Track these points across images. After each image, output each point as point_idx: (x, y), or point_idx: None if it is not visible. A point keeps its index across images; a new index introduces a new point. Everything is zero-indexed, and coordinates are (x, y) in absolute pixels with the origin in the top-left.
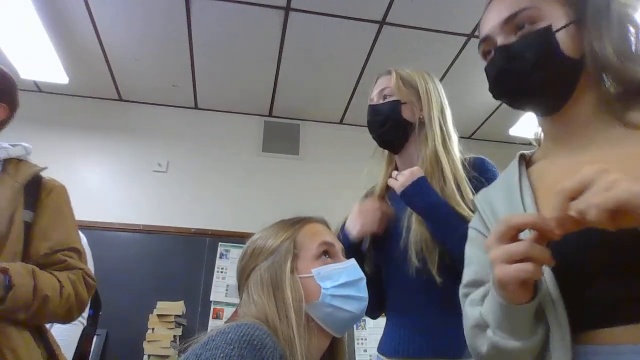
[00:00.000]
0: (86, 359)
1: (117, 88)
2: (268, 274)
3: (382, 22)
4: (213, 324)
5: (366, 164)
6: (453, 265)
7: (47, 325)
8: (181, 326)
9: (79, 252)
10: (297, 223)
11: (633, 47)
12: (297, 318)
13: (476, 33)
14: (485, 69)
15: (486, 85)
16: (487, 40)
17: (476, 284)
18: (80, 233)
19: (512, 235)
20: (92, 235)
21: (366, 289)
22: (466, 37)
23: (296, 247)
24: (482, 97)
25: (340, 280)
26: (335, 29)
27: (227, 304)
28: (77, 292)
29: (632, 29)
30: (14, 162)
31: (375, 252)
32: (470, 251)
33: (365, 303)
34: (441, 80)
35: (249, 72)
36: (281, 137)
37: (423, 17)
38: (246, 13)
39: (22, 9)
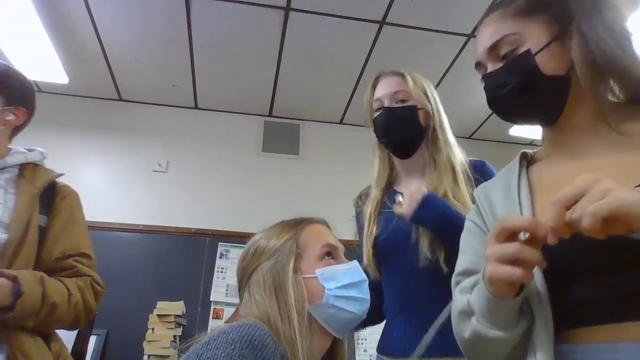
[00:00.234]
0: (82, 359)
1: (117, 88)
2: (270, 274)
3: (382, 22)
4: (213, 324)
5: (366, 164)
6: None
7: None
8: (181, 326)
9: (90, 258)
10: (299, 224)
11: (632, 45)
12: (300, 318)
13: (476, 33)
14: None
15: None
16: (479, 65)
17: (468, 272)
18: None
19: (506, 235)
20: (92, 235)
21: (368, 290)
22: (466, 37)
23: (299, 248)
24: (482, 97)
25: (344, 282)
26: (335, 29)
27: (227, 304)
28: (85, 299)
29: (627, 27)
30: (31, 167)
31: (380, 252)
32: (465, 241)
33: (367, 304)
34: (441, 80)
35: (249, 72)
36: (281, 137)
37: (423, 17)
38: (246, 13)
39: (22, 9)
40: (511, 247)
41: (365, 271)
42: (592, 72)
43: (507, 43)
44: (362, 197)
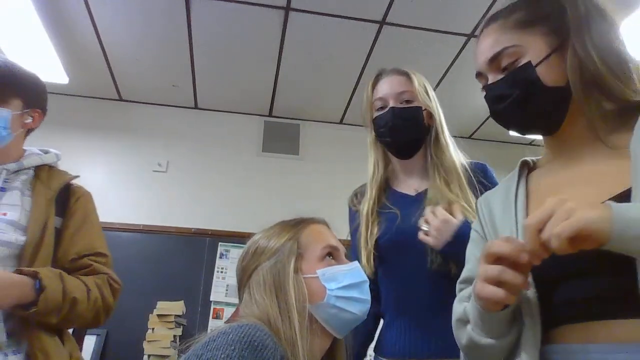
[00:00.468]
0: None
1: (117, 88)
2: (271, 273)
3: (382, 22)
4: (213, 324)
5: (366, 164)
6: None
7: None
8: (181, 326)
9: (105, 257)
10: (300, 224)
11: (621, 55)
12: (300, 319)
13: (476, 33)
14: None
15: None
16: (480, 75)
17: (469, 281)
18: None
19: (493, 258)
20: None
21: (369, 291)
22: (466, 37)
23: (300, 248)
24: (482, 97)
25: (345, 282)
26: (335, 29)
27: (227, 304)
28: (103, 296)
29: (617, 36)
30: (46, 169)
31: (381, 253)
32: (470, 250)
33: (368, 305)
34: (441, 80)
35: (249, 72)
36: (281, 137)
37: (423, 17)
38: (246, 13)
39: (22, 9)
40: (493, 270)
41: None
42: (583, 86)
43: (508, 55)
44: (358, 195)
